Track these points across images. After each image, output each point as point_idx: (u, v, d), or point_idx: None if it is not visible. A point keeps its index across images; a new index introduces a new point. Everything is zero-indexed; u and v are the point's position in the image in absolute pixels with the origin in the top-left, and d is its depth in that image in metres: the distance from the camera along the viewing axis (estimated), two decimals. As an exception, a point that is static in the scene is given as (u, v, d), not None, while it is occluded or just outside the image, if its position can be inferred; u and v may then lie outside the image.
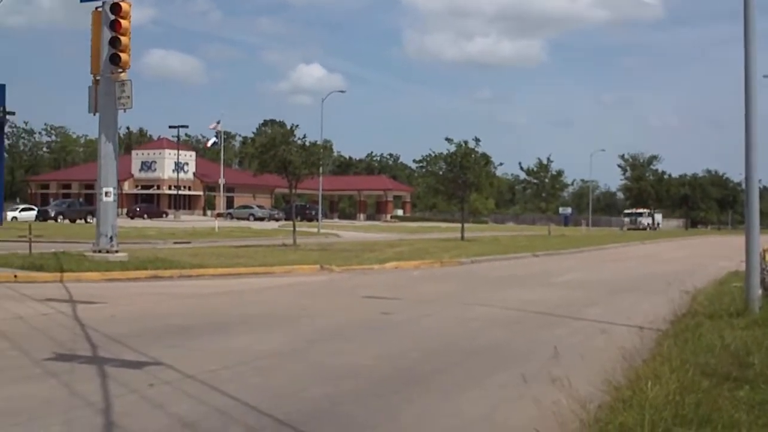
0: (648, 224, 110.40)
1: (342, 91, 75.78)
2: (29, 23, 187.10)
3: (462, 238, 48.10)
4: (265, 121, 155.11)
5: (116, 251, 22.80)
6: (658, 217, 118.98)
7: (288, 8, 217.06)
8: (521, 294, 18.92)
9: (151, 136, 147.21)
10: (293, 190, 37.75)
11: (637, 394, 7.04)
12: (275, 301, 16.62)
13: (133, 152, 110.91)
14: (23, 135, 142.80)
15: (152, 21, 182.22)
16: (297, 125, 36.81)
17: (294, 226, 38.89)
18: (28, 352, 9.69)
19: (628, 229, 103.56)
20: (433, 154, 49.89)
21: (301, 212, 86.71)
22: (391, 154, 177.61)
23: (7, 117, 57.97)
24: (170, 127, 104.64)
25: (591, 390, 7.77)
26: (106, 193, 22.98)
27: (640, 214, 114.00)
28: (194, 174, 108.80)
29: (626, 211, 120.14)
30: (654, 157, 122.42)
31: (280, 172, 36.31)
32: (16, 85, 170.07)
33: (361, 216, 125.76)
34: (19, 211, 77.24)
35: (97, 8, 22.79)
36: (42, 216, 72.73)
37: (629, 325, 13.19)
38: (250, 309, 15.05)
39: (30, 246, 23.26)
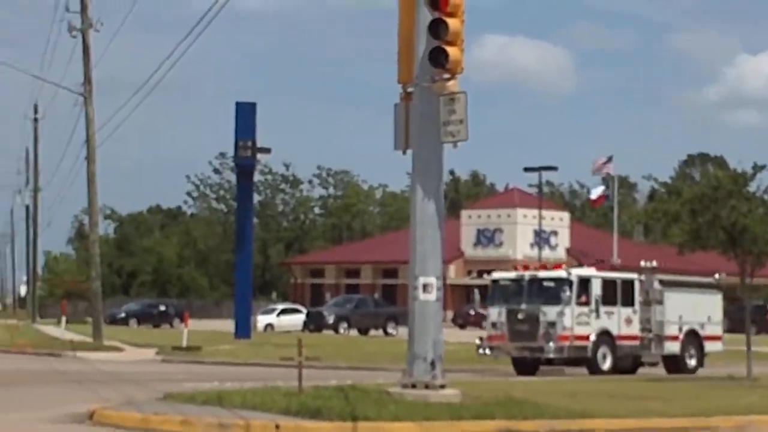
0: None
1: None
2: (281, 6, 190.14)
3: None
4: (689, 156, 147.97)
5: (441, 386, 21.59)
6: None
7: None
8: None
9: (492, 184, 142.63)
10: (748, 280, 33.62)
11: None
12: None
13: (464, 213, 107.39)
14: (282, 186, 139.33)
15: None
16: (764, 166, 32.86)
17: (748, 342, 34.38)
18: None
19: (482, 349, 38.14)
20: None
21: (762, 317, 75.36)
22: None
23: (258, 157, 55.29)
24: (525, 170, 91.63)
25: None
26: (425, 287, 21.52)
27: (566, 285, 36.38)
28: (567, 251, 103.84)
29: (494, 275, 40.83)
30: None
31: (725, 247, 32.66)
32: (276, 102, 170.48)
33: None
34: (277, 315, 79.21)
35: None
36: (314, 322, 72.86)
37: None
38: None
39: (300, 375, 22.09)
